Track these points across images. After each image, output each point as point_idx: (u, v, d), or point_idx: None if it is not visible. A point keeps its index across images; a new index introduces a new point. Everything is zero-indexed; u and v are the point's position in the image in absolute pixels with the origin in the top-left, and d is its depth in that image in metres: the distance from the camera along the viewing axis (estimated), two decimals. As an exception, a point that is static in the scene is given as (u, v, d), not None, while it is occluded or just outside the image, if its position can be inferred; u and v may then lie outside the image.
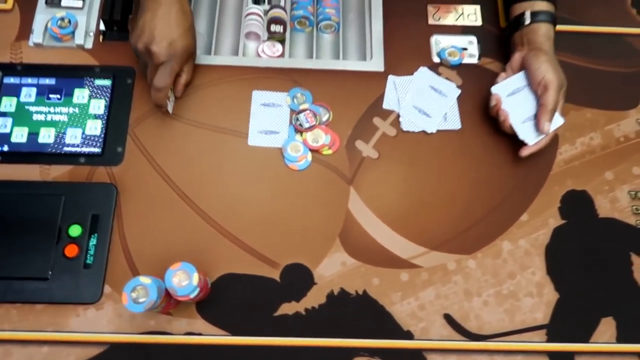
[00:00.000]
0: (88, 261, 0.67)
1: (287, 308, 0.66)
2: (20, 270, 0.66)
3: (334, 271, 0.68)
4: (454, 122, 0.76)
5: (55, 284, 0.66)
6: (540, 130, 0.69)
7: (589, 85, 0.80)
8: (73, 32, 0.77)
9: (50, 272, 0.66)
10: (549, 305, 0.68)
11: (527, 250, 0.70)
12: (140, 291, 0.56)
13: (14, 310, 0.65)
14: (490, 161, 0.75)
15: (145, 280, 0.57)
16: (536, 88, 0.70)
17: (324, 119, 0.75)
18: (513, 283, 0.69)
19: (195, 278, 0.59)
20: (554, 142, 0.76)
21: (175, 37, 0.68)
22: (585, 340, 0.67)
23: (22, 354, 0.63)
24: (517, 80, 0.73)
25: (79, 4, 0.78)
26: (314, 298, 0.67)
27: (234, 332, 0.65)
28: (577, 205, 0.73)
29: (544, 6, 0.72)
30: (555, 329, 0.67)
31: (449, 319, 0.67)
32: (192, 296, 0.59)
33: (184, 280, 0.59)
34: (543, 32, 0.72)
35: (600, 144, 0.76)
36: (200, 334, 0.65)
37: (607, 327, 0.67)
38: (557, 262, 0.70)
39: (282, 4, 0.82)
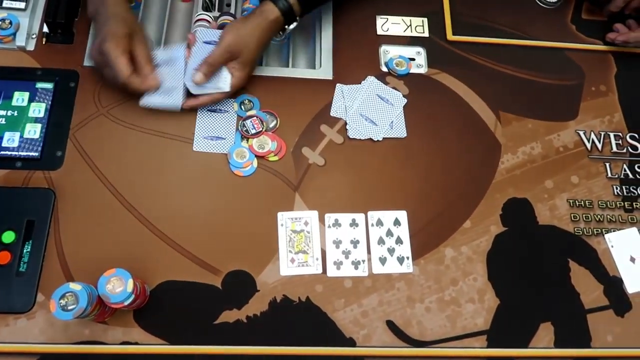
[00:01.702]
0: (21, 269, 0.65)
1: (228, 316, 0.65)
2: (-53, 278, 0.63)
3: (276, 278, 0.68)
4: (400, 131, 0.77)
5: (-16, 292, 0.63)
6: (193, 78, 0.70)
7: (531, 97, 0.82)
8: (14, 34, 0.75)
9: (-22, 281, 0.63)
10: (489, 311, 0.69)
11: (469, 256, 0.71)
12: (70, 298, 0.54)
13: (-61, 320, 0.62)
14: (434, 169, 0.76)
15: (75, 287, 0.55)
16: None
17: (271, 125, 0.75)
18: (455, 289, 0.70)
19: (130, 285, 0.57)
20: (496, 151, 0.78)
21: (102, 30, 0.68)
22: (525, 345, 0.68)
23: (-56, 366, 0.60)
24: (215, 33, 0.73)
25: (22, 5, 0.77)
26: (256, 306, 0.66)
27: (172, 341, 0.63)
28: (518, 212, 0.75)
29: None
30: (496, 334, 0.68)
31: (391, 325, 0.67)
32: (126, 303, 0.57)
33: (118, 287, 0.57)
34: (265, 8, 0.72)
35: (541, 153, 0.79)
36: (137, 343, 0.63)
37: (545, 332, 0.69)
38: (498, 269, 0.71)
39: (232, 10, 0.82)
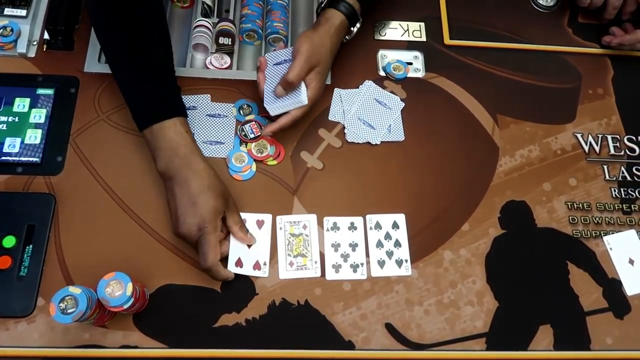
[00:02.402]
0: (22, 273, 0.65)
1: (228, 319, 0.65)
2: (-53, 283, 0.64)
3: (275, 282, 0.68)
4: (398, 134, 0.77)
5: (-16, 297, 0.64)
6: (274, 92, 0.69)
7: (528, 100, 0.83)
8: (15, 41, 0.76)
9: (-22, 285, 0.64)
10: (488, 313, 0.69)
11: (467, 259, 0.72)
12: (69, 302, 0.55)
13: (-60, 325, 0.62)
14: (432, 172, 0.76)
15: (74, 290, 0.55)
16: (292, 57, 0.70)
17: (270, 130, 0.75)
18: (454, 292, 0.70)
19: (130, 288, 0.57)
20: (494, 154, 0.78)
21: (195, 209, 0.63)
22: (524, 347, 0.68)
23: (-55, 370, 0.60)
24: (285, 52, 0.72)
25: (23, 13, 0.78)
26: (255, 309, 0.66)
27: (172, 344, 0.64)
28: (516, 215, 0.75)
29: None
30: (495, 337, 0.68)
31: (390, 328, 0.67)
32: (125, 307, 0.58)
33: (118, 290, 0.57)
34: (329, 15, 0.72)
35: (539, 156, 0.79)
36: (136, 347, 0.63)
37: (544, 334, 0.69)
38: (497, 271, 0.71)
39: (230, 17, 0.82)
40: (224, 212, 0.65)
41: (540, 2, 0.90)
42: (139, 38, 0.67)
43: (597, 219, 0.76)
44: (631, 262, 0.74)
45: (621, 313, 0.71)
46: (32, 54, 0.77)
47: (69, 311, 0.54)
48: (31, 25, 0.78)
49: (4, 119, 0.73)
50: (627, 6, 0.84)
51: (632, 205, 0.77)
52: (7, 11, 0.77)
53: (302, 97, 0.69)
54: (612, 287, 0.72)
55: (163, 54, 0.70)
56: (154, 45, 0.69)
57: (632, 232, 0.75)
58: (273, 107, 0.70)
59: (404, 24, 0.86)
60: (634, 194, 0.78)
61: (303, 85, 0.70)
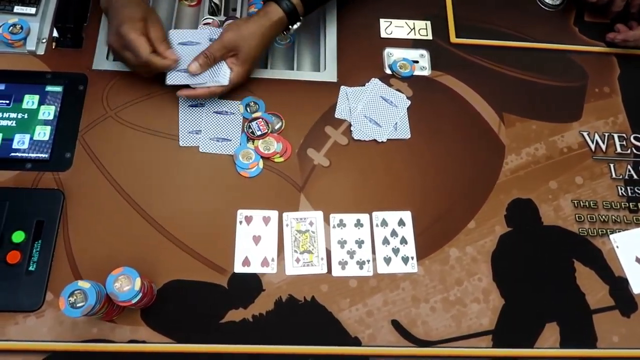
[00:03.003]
0: (31, 268, 0.66)
1: (234, 315, 0.66)
2: (-43, 278, 0.64)
3: (282, 278, 0.68)
4: (404, 132, 0.78)
5: (-7, 291, 0.64)
6: (188, 67, 0.71)
7: (534, 99, 0.83)
8: (25, 38, 0.77)
9: (-12, 280, 0.64)
10: (494, 311, 0.69)
11: (473, 257, 0.72)
12: (78, 296, 0.55)
13: (-51, 319, 0.63)
14: (438, 170, 0.76)
15: (83, 284, 0.56)
16: None
17: (277, 127, 0.76)
18: (460, 289, 0.70)
19: (138, 283, 0.58)
20: (500, 152, 0.78)
21: (114, 20, 0.71)
22: (530, 345, 0.68)
23: (-46, 363, 0.61)
24: (193, 34, 0.75)
25: (32, 11, 0.78)
26: (262, 305, 0.67)
27: (179, 340, 0.64)
28: (522, 213, 0.75)
29: None
30: (501, 334, 0.68)
31: (396, 325, 0.67)
32: (134, 301, 0.58)
33: (126, 285, 0.58)
34: (269, 9, 0.73)
35: (545, 154, 0.79)
36: (144, 342, 0.63)
37: (551, 332, 0.69)
38: (503, 269, 0.71)
39: (237, 15, 0.83)
40: (145, 23, 0.70)
41: (547, 0, 0.90)
42: None
43: (603, 217, 0.76)
44: (638, 260, 0.74)
45: (628, 311, 0.71)
46: (41, 51, 0.77)
47: (78, 305, 0.55)
48: (40, 23, 0.78)
49: (13, 115, 0.73)
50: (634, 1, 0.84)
51: (639, 204, 0.77)
52: (17, 9, 0.78)
53: (220, 77, 0.72)
54: (618, 286, 0.72)
55: None
56: None
57: (638, 231, 0.75)
58: (193, 79, 0.72)
59: (410, 22, 0.86)
60: (640, 193, 0.78)
61: (225, 65, 0.72)
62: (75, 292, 0.55)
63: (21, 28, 0.77)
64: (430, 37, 0.85)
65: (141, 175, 0.72)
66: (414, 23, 0.86)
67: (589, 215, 0.76)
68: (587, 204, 0.76)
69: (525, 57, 0.85)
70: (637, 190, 0.78)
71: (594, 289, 0.71)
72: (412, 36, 0.85)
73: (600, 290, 0.72)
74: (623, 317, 0.70)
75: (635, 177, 0.79)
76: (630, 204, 0.77)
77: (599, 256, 0.74)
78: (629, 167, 0.79)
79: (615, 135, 0.81)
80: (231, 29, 0.72)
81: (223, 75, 0.72)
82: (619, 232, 0.75)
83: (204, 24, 0.81)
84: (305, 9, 0.75)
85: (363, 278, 0.69)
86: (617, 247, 0.74)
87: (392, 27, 0.85)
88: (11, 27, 0.76)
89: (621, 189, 0.78)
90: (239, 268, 0.68)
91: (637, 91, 0.85)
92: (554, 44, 0.87)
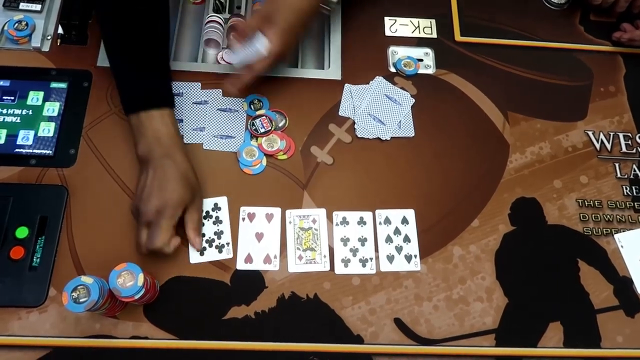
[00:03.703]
0: (34, 263, 0.66)
1: (237, 312, 0.66)
2: (-39, 273, 0.65)
3: (285, 275, 0.68)
4: (408, 130, 0.78)
5: (-2, 286, 0.64)
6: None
7: (539, 98, 0.82)
8: (30, 35, 0.77)
9: (-9, 275, 0.65)
10: (498, 310, 0.69)
11: (477, 255, 0.71)
12: (82, 291, 0.55)
13: (-48, 313, 0.63)
14: (442, 169, 0.76)
15: (86, 280, 0.56)
16: None
17: (280, 124, 0.76)
18: (463, 288, 0.70)
19: (141, 279, 0.58)
20: (504, 150, 0.78)
21: (161, 193, 0.64)
22: (534, 344, 0.67)
23: (-43, 358, 0.61)
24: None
25: (38, 8, 0.79)
26: (265, 302, 0.67)
27: (182, 336, 0.64)
28: (526, 212, 0.75)
29: None
30: (504, 333, 0.68)
31: (399, 323, 0.67)
32: (137, 297, 0.58)
33: (129, 281, 0.58)
34: None
35: (550, 153, 0.79)
36: (146, 338, 0.64)
37: (554, 332, 0.68)
38: (507, 268, 0.71)
39: (242, 12, 0.83)
40: (187, 206, 0.66)
41: (552, 0, 0.90)
42: (140, 27, 0.70)
43: (608, 216, 0.75)
44: (643, 260, 0.73)
45: (632, 311, 0.70)
46: (46, 48, 0.78)
47: (81, 300, 0.55)
48: (45, 19, 0.79)
49: (18, 112, 0.74)
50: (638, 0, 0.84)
51: (644, 204, 0.77)
52: (23, 6, 0.78)
53: (259, 45, 0.69)
54: (623, 285, 0.71)
55: (161, 45, 0.72)
56: (154, 36, 0.71)
57: (643, 230, 0.75)
58: (233, 57, 0.72)
59: (415, 20, 0.86)
60: (645, 192, 0.77)
61: (260, 34, 0.69)
62: (79, 287, 0.55)
63: (26, 25, 0.77)
64: (435, 35, 0.85)
65: (145, 172, 0.72)
66: (418, 21, 0.86)
67: (593, 215, 0.75)
68: (591, 203, 0.76)
69: (531, 55, 0.85)
70: (642, 190, 0.78)
71: (598, 289, 0.71)
72: (416, 34, 0.85)
73: (604, 290, 0.71)
74: (627, 317, 0.70)
75: (640, 176, 0.78)
76: (636, 203, 0.76)
77: (603, 256, 0.73)
78: (634, 166, 0.79)
79: (621, 135, 0.81)
80: (268, 1, 0.71)
81: (261, 43, 0.69)
82: (623, 231, 0.75)
83: (209, 22, 0.81)
84: None
85: (366, 276, 0.69)
86: (622, 246, 0.74)
87: (396, 26, 0.85)
88: (17, 24, 0.77)
89: (626, 189, 0.77)
90: (241, 265, 0.68)
91: (643, 90, 0.84)
92: (559, 42, 0.87)
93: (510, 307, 0.69)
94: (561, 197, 0.76)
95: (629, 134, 0.81)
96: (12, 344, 0.62)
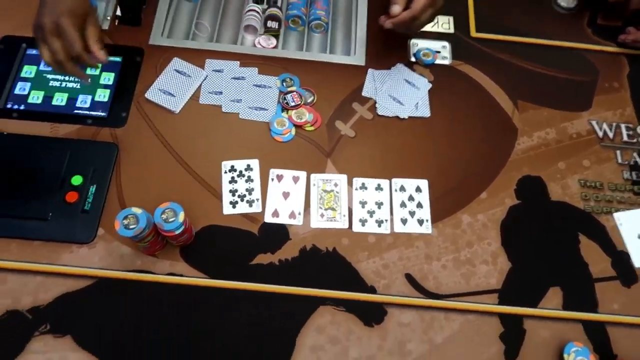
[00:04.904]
0: (86, 207, 0.74)
1: (263, 258, 0.73)
2: (23, 211, 0.73)
3: (307, 230, 0.75)
4: (424, 111, 0.85)
5: (54, 224, 0.73)
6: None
7: (548, 89, 0.89)
8: (93, 15, 0.88)
9: (50, 214, 0.73)
10: (502, 272, 0.74)
11: (484, 223, 0.78)
12: (131, 219, 0.63)
13: (14, 244, 0.71)
14: (455, 146, 0.83)
15: (136, 210, 0.64)
16: None
17: (309, 100, 0.84)
18: (470, 251, 0.76)
19: (182, 216, 0.66)
20: (513, 134, 0.85)
21: (63, 5, 0.71)
22: (534, 305, 0.73)
23: (16, 281, 0.69)
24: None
25: (101, -8, 0.90)
26: (288, 251, 0.74)
27: (212, 276, 0.71)
28: (531, 188, 0.81)
29: None
30: (507, 294, 0.73)
31: (409, 278, 0.73)
32: (177, 232, 0.66)
33: (172, 217, 0.66)
34: None
35: (555, 138, 0.85)
36: (181, 275, 0.71)
37: (554, 295, 0.73)
38: (512, 236, 0.77)
39: (279, 4, 0.93)
40: (84, 21, 0.73)
41: (562, 3, 0.98)
42: None
43: (608, 197, 0.81)
44: (640, 237, 0.79)
45: (629, 282, 0.75)
46: (105, 27, 0.88)
47: (130, 227, 0.63)
48: (106, 2, 0.89)
49: (78, 79, 0.84)
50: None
51: (643, 188, 0.82)
52: (88, -11, 0.89)
53: None
54: (620, 259, 0.77)
55: None
56: None
57: (642, 211, 0.80)
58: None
59: (434, 16, 0.94)
60: (645, 178, 0.83)
61: None
62: (129, 215, 0.63)
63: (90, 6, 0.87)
64: (452, 30, 0.94)
65: (187, 135, 0.80)
66: (437, 17, 0.94)
67: (594, 195, 0.81)
68: (593, 184, 0.82)
69: (541, 52, 0.93)
70: (642, 176, 0.83)
71: (596, 260, 0.76)
72: (435, 29, 0.93)
73: (602, 262, 0.76)
74: (624, 287, 0.75)
75: (640, 163, 0.84)
76: (635, 187, 0.82)
77: (602, 231, 0.79)
78: (634, 154, 0.85)
79: (623, 125, 0.87)
80: None
81: None
82: (623, 211, 0.80)
83: (249, 11, 0.91)
84: None
85: (381, 235, 0.76)
86: (621, 224, 0.79)
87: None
88: (82, 5, 0.87)
89: (626, 173, 0.83)
90: (268, 218, 0.75)
91: (645, 87, 0.91)
92: (567, 42, 0.94)
93: (514, 271, 0.75)
94: (564, 177, 0.82)
95: (631, 125, 0.87)
96: (64, 272, 0.70)
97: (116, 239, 0.72)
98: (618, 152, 0.85)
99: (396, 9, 0.77)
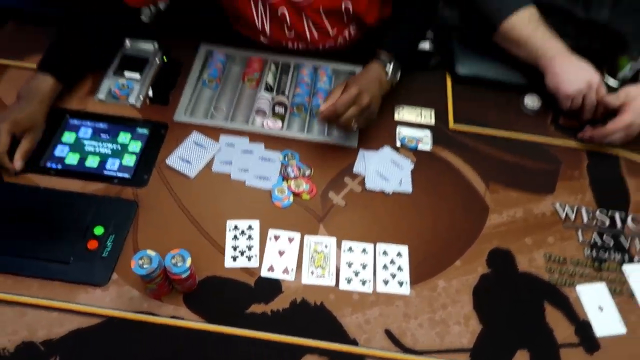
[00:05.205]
0: (104, 254, 0.84)
1: (257, 308, 0.81)
2: (49, 254, 0.83)
3: (298, 284, 0.84)
4: (407, 187, 0.97)
5: (74, 267, 0.82)
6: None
7: (516, 174, 1.02)
8: (129, 94, 1.04)
9: (71, 258, 0.83)
10: (473, 333, 0.82)
11: (458, 288, 0.86)
12: (145, 260, 0.73)
13: (36, 283, 0.80)
14: (433, 218, 0.94)
15: (150, 252, 0.74)
16: None
17: (307, 173, 0.97)
18: (445, 312, 0.83)
19: (189, 261, 0.75)
20: (484, 211, 0.96)
21: (12, 107, 0.93)
22: (503, 366, 0.79)
23: (34, 315, 0.77)
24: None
25: (137, 76, 1.06)
26: (280, 303, 0.82)
27: (211, 321, 0.79)
28: (501, 259, 0.90)
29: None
30: (478, 353, 0.80)
31: (388, 333, 0.81)
32: (184, 276, 0.75)
33: (180, 262, 0.75)
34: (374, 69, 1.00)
35: (522, 217, 0.96)
36: (182, 318, 0.79)
37: (522, 358, 0.80)
38: (483, 301, 0.85)
39: (286, 93, 1.09)
40: (24, 132, 0.91)
41: (528, 105, 1.14)
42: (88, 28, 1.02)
43: (571, 271, 0.90)
44: (600, 308, 0.86)
45: (591, 350, 0.82)
46: (138, 104, 1.04)
47: (144, 266, 0.72)
48: (141, 85, 1.06)
49: (110, 146, 0.97)
50: (598, 110, 1.06)
51: (602, 264, 0.91)
52: (127, 74, 1.06)
53: None
54: (583, 328, 0.84)
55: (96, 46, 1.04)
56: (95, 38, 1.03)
57: (602, 285, 0.89)
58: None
59: (418, 109, 1.10)
60: (604, 256, 0.93)
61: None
62: (144, 256, 0.73)
63: (127, 87, 1.04)
64: (433, 122, 1.09)
65: (199, 196, 0.92)
66: (421, 110, 1.10)
67: (558, 268, 0.90)
68: (557, 258, 0.91)
69: (510, 143, 1.07)
70: (601, 254, 0.93)
71: (561, 327, 0.84)
72: (418, 120, 1.08)
73: (567, 329, 0.84)
74: (587, 354, 0.81)
75: (599, 243, 0.94)
76: (595, 263, 0.91)
77: (566, 301, 0.87)
78: (594, 234, 0.95)
79: (583, 209, 0.98)
80: (357, 77, 0.97)
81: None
82: (584, 284, 0.89)
83: (260, 98, 1.07)
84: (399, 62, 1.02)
85: (364, 293, 0.84)
86: (583, 296, 0.88)
87: (403, 112, 1.09)
88: (120, 86, 1.04)
89: (587, 251, 0.93)
90: (264, 273, 0.84)
91: (602, 177, 1.03)
92: (534, 135, 1.08)
93: (484, 333, 0.82)
94: (531, 251, 0.92)
95: (590, 208, 0.98)
96: (78, 310, 0.78)
97: (127, 283, 0.81)
98: (579, 231, 0.95)
99: (322, 106, 0.92)
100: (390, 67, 1.01)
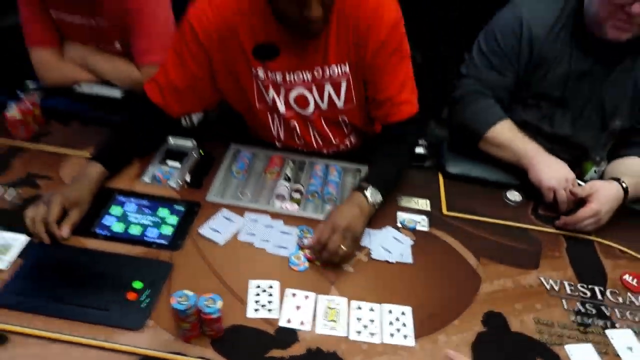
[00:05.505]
0: (141, 305, 0.95)
1: (275, 353, 0.90)
2: (92, 302, 0.94)
3: (314, 335, 0.93)
4: (408, 259, 1.11)
5: (113, 314, 0.92)
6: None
7: (505, 253, 1.16)
8: (169, 179, 1.22)
9: (111, 306, 0.93)
10: (473, 383, 0.89)
11: (457, 343, 0.95)
12: (183, 298, 0.84)
13: (83, 326, 0.90)
14: (432, 285, 1.06)
15: (188, 292, 0.85)
16: None
17: (320, 244, 1.11)
18: (446, 364, 0.92)
19: (220, 303, 0.87)
20: (477, 281, 1.08)
21: (66, 186, 1.11)
22: (502, 412, 0.85)
23: (77, 353, 0.86)
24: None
25: (177, 165, 1.26)
26: (297, 350, 0.90)
27: (234, 362, 0.87)
28: (494, 321, 1.00)
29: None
30: (479, 401, 0.87)
31: (395, 380, 0.88)
32: (214, 316, 0.86)
33: (212, 304, 0.86)
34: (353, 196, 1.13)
35: (511, 287, 1.08)
36: None
37: (520, 406, 0.87)
38: (480, 354, 0.94)
39: (301, 182, 1.28)
40: (73, 206, 1.07)
41: (510, 198, 1.32)
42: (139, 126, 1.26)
43: (559, 332, 0.99)
44: (589, 366, 0.94)
45: (583, 402, 0.89)
46: (177, 187, 1.22)
47: (182, 303, 0.84)
48: (181, 171, 1.25)
49: (151, 219, 1.13)
50: (569, 202, 1.24)
51: (587, 328, 1.01)
52: (169, 162, 1.26)
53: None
54: (574, 382, 0.91)
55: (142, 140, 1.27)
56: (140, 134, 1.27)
57: (589, 345, 0.98)
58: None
59: (415, 199, 1.28)
60: (588, 321, 1.03)
61: None
62: (182, 295, 0.85)
63: (169, 173, 1.23)
64: (429, 209, 1.26)
65: (227, 260, 1.05)
66: (418, 200, 1.27)
67: (547, 330, 1.00)
68: (545, 322, 1.01)
69: (495, 227, 1.22)
70: (585, 319, 1.03)
71: (554, 381, 0.91)
72: (416, 207, 1.26)
73: (559, 383, 0.91)
74: (580, 406, 0.88)
75: (583, 310, 1.05)
76: (580, 327, 1.01)
77: (556, 358, 0.95)
78: (577, 303, 1.06)
79: (566, 282, 1.10)
80: (334, 214, 1.08)
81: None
82: (573, 344, 0.97)
83: (280, 186, 1.25)
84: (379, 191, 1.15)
85: (372, 344, 0.93)
86: (572, 355, 0.96)
87: (403, 201, 1.27)
88: (163, 172, 1.23)
89: (572, 316, 1.03)
90: (283, 323, 0.94)
91: (580, 258, 1.17)
92: (517, 223, 1.25)
93: (483, 383, 0.89)
94: (521, 315, 1.02)
95: (572, 282, 1.11)
96: (116, 349, 0.87)
97: (161, 327, 0.91)
98: (564, 300, 1.06)
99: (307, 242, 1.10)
100: (368, 192, 1.14)
